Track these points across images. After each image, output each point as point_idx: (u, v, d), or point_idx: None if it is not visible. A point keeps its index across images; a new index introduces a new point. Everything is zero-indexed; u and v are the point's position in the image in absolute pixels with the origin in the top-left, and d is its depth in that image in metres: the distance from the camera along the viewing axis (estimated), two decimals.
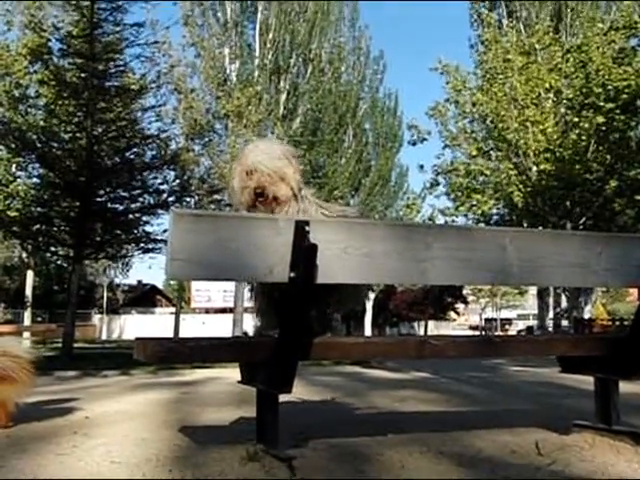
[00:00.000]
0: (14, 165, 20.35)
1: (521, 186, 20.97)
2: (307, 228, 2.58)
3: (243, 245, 2.56)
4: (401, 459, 2.97)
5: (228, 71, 26.47)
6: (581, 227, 21.09)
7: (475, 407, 5.31)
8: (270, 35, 27.48)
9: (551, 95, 20.71)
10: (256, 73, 27.31)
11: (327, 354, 3.13)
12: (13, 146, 16.53)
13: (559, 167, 19.80)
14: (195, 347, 2.70)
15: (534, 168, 20.82)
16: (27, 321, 30.75)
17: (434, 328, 49.20)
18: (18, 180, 20.37)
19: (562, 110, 20.88)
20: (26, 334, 23.41)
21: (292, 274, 2.54)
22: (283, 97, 27.76)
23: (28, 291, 30.38)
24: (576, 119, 20.00)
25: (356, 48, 33.27)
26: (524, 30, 23.64)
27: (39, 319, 35.41)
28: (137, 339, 2.86)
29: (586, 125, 19.56)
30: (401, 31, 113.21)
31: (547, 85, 20.28)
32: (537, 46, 21.44)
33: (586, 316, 24.13)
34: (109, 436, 3.80)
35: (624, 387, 3.49)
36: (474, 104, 22.29)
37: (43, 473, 2.82)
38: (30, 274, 30.52)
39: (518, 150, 21.00)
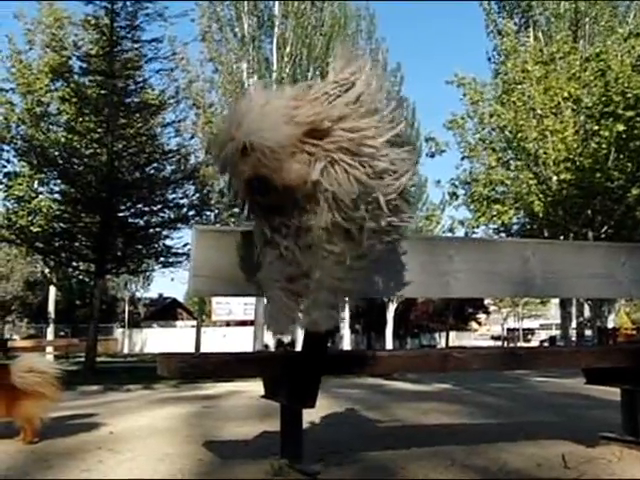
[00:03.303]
0: (36, 181, 20.56)
1: (541, 196, 20.83)
2: None
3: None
4: (426, 473, 2.95)
5: (246, 85, 26.62)
6: (603, 236, 20.90)
7: (499, 419, 5.27)
8: (287, 49, 27.61)
9: (570, 104, 20.58)
10: (274, 87, 27.40)
11: (350, 369, 3.13)
12: (35, 162, 16.73)
13: (579, 176, 19.65)
14: (218, 363, 2.70)
15: (554, 177, 20.69)
16: (50, 336, 30.97)
17: (455, 339, 48.90)
18: (40, 196, 20.58)
19: (581, 119, 20.74)
20: (49, 349, 23.62)
21: None
22: None
23: (51, 306, 30.61)
24: (596, 127, 19.85)
25: (373, 60, 33.25)
26: (543, 39, 23.56)
27: (62, 334, 35.64)
28: (161, 355, 2.87)
29: (606, 133, 19.41)
30: (418, 43, 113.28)
31: (566, 94, 20.16)
32: (556, 55, 21.35)
33: (610, 325, 23.88)
34: (134, 451, 3.82)
35: None
36: (491, 115, 22.22)
37: None
38: (52, 289, 30.77)
39: (538, 160, 20.88)
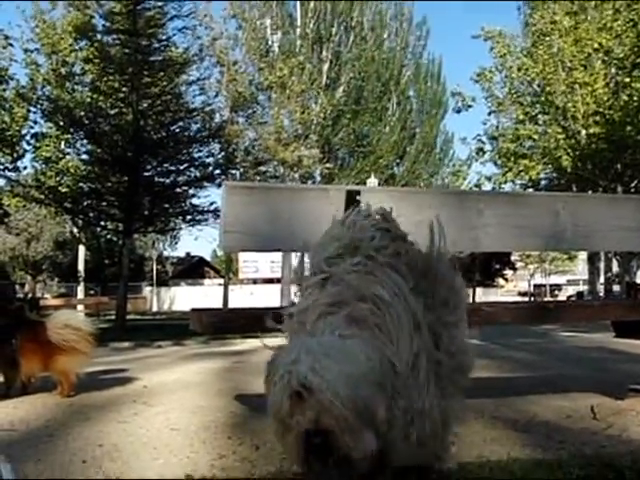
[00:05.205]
0: (63, 142, 20.67)
1: (570, 150, 20.55)
2: (358, 197, 2.59)
3: (295, 216, 2.59)
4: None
5: (270, 42, 26.38)
6: (632, 190, 20.63)
7: (527, 373, 5.30)
8: (311, 4, 27.24)
9: (601, 55, 20.14)
10: (298, 43, 27.18)
11: None
12: (61, 123, 16.82)
13: (609, 129, 19.32)
14: (250, 317, 2.74)
15: (583, 131, 20.38)
16: (80, 294, 31.45)
17: (482, 295, 48.81)
18: (67, 157, 20.71)
19: (612, 70, 20.32)
20: (79, 307, 24.02)
21: None
22: (326, 66, 27.59)
23: (80, 265, 31.00)
24: (627, 79, 19.45)
25: (398, 14, 32.72)
26: None
27: (91, 292, 36.15)
28: (193, 310, 2.92)
29: (638, 85, 19.02)
30: None
31: (596, 45, 19.72)
32: (587, 5, 20.80)
33: (639, 280, 23.69)
34: (167, 404, 3.91)
35: None
36: (519, 69, 21.86)
37: (107, 439, 2.92)
38: (82, 249, 31.12)
39: (566, 113, 20.55)
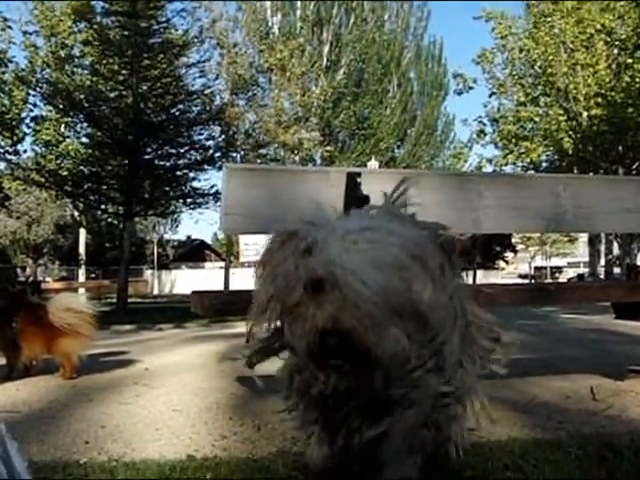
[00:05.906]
0: (63, 125, 20.64)
1: (571, 132, 20.50)
2: (359, 179, 2.59)
3: (296, 198, 2.59)
4: None
5: (270, 24, 26.24)
6: (634, 172, 20.59)
7: (527, 354, 5.30)
8: None
9: (603, 36, 20.02)
10: (298, 25, 27.04)
11: None
12: (61, 106, 16.77)
13: (611, 111, 19.26)
14: (251, 299, 2.74)
15: (585, 113, 20.31)
16: (81, 278, 31.46)
17: (482, 277, 48.83)
18: (67, 140, 20.67)
19: (614, 51, 20.21)
20: (80, 290, 24.05)
21: None
22: (326, 48, 27.47)
23: (81, 248, 30.97)
24: (629, 60, 19.36)
25: None
26: None
27: (92, 275, 36.17)
28: (194, 293, 2.92)
29: None
30: None
31: (599, 26, 19.60)
32: None
33: (639, 262, 23.70)
34: (169, 386, 3.93)
35: None
36: (521, 50, 21.77)
37: (109, 421, 2.93)
38: (82, 232, 31.10)
39: (568, 95, 20.48)
